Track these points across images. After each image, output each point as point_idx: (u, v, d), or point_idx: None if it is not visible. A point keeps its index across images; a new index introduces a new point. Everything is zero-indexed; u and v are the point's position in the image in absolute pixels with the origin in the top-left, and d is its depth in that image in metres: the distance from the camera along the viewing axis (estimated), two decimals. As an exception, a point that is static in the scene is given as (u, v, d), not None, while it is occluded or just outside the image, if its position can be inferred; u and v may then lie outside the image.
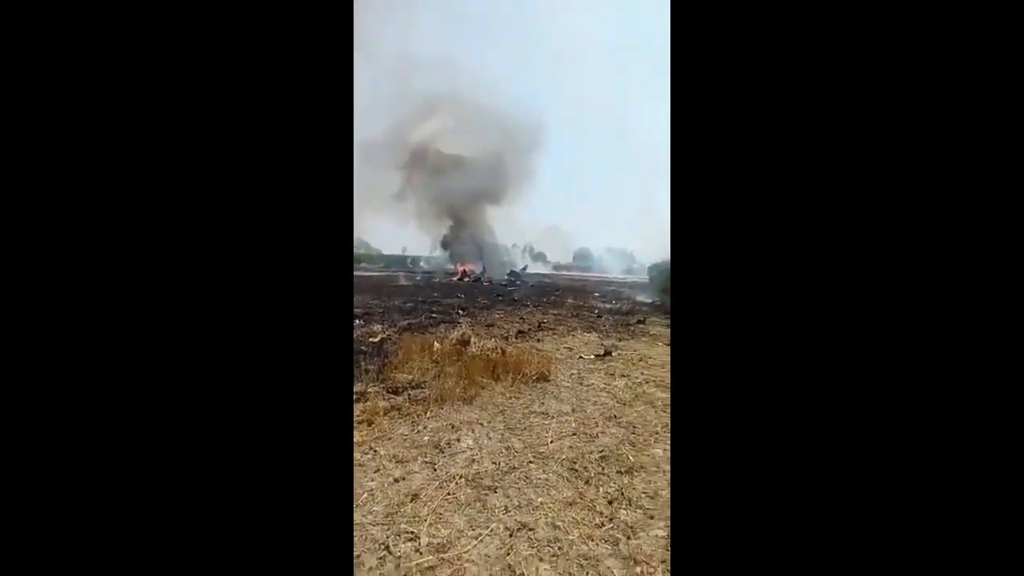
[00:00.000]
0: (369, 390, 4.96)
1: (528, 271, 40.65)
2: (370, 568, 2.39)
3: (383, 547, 2.52)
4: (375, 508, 2.85)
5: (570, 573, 2.38)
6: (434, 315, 11.34)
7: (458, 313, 12.05)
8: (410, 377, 5.39)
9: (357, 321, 9.40)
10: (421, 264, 57.91)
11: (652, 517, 2.83)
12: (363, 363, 6.03)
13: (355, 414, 4.33)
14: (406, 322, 9.85)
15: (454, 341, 6.71)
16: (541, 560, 2.46)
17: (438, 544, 2.55)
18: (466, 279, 30.55)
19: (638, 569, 2.41)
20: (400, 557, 2.45)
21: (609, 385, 5.47)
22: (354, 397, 4.74)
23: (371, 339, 7.86)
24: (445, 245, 49.32)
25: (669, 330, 8.02)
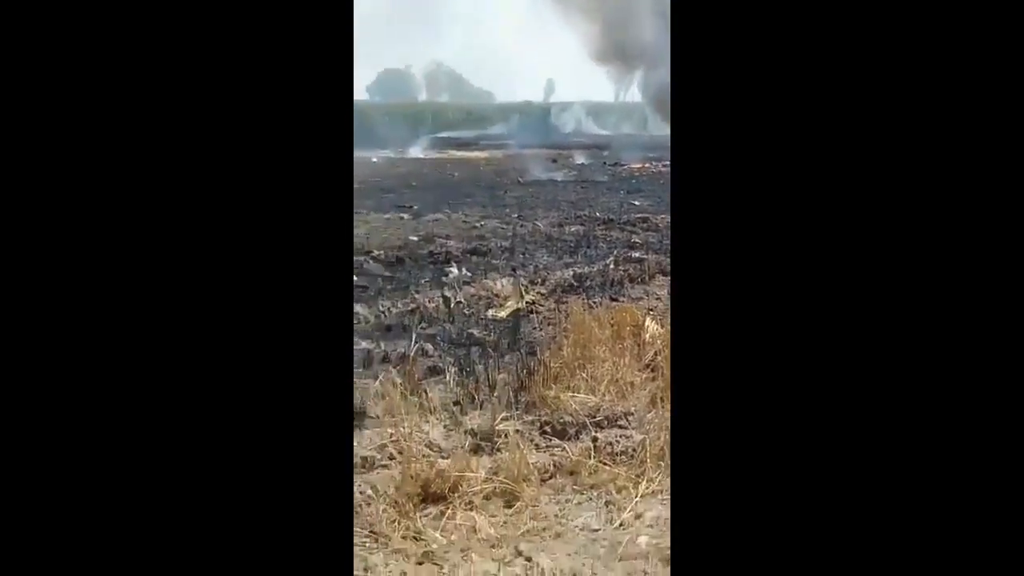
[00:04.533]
0: (502, 426, 3.13)
1: None
2: None
3: None
4: None
5: None
6: (636, 255, 6.82)
7: None
8: (593, 401, 3.41)
9: (452, 270, 6.27)
10: (592, 126, 45.15)
11: None
12: (479, 364, 3.92)
13: (477, 472, 2.71)
14: (570, 273, 6.12)
15: None
16: None
17: None
18: None
19: None
20: None
21: None
22: (474, 438, 3.08)
23: (494, 310, 5.14)
24: (649, 87, 26.84)
25: None
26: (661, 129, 30.46)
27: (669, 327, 4.01)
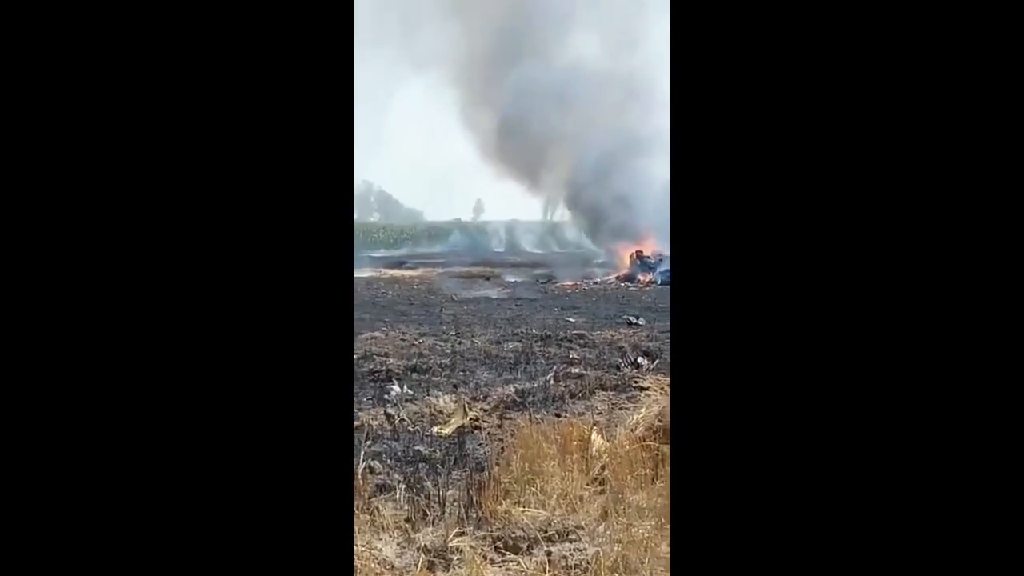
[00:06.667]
0: (455, 542, 3.15)
1: None
2: None
3: None
4: None
5: None
6: (576, 371, 7.04)
7: (635, 365, 7.46)
8: (544, 516, 3.47)
9: (394, 388, 6.23)
10: (521, 244, 45.13)
11: None
12: (428, 480, 3.97)
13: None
14: (512, 389, 6.22)
15: (640, 429, 4.17)
16: None
17: None
18: (645, 276, 20.98)
19: None
20: None
21: None
22: (428, 555, 3.08)
23: (439, 427, 5.15)
24: (576, 206, 29.40)
25: None
26: (589, 246, 31.46)
27: (617, 438, 4.14)
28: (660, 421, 4.09)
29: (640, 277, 21.20)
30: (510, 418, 5.30)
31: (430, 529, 3.31)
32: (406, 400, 5.87)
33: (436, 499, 3.66)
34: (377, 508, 3.45)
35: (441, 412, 5.46)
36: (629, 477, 3.73)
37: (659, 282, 20.13)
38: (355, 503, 3.44)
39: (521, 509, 3.53)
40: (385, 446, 4.69)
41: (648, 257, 22.49)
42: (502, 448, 4.46)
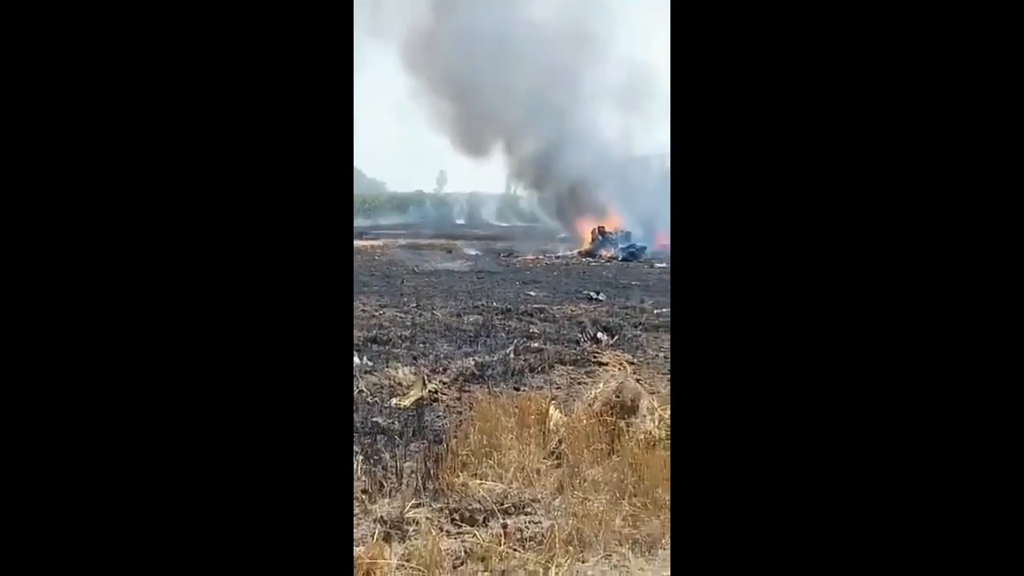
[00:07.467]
0: (412, 514, 3.17)
1: None
2: None
3: None
4: None
5: None
6: (535, 345, 7.09)
7: (594, 340, 7.64)
8: (501, 488, 3.49)
9: (354, 359, 5.96)
10: (483, 217, 45.46)
11: None
12: (386, 453, 3.96)
13: (390, 560, 2.75)
14: (471, 362, 6.19)
15: (598, 404, 4.15)
16: None
17: None
18: (607, 252, 21.16)
19: None
20: None
21: None
22: (384, 526, 3.07)
23: (397, 399, 5.13)
24: (541, 183, 28.71)
25: None
26: (549, 221, 31.43)
27: (575, 413, 4.18)
28: (617, 396, 4.13)
29: (602, 252, 21.32)
30: (469, 391, 5.31)
31: (387, 500, 3.32)
32: (365, 371, 5.84)
33: (393, 471, 3.67)
34: (334, 479, 3.44)
35: (400, 384, 5.45)
36: (586, 451, 3.77)
37: (620, 258, 20.27)
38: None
39: (478, 482, 3.56)
40: (343, 417, 4.67)
41: (610, 233, 22.62)
42: (460, 421, 4.47)
